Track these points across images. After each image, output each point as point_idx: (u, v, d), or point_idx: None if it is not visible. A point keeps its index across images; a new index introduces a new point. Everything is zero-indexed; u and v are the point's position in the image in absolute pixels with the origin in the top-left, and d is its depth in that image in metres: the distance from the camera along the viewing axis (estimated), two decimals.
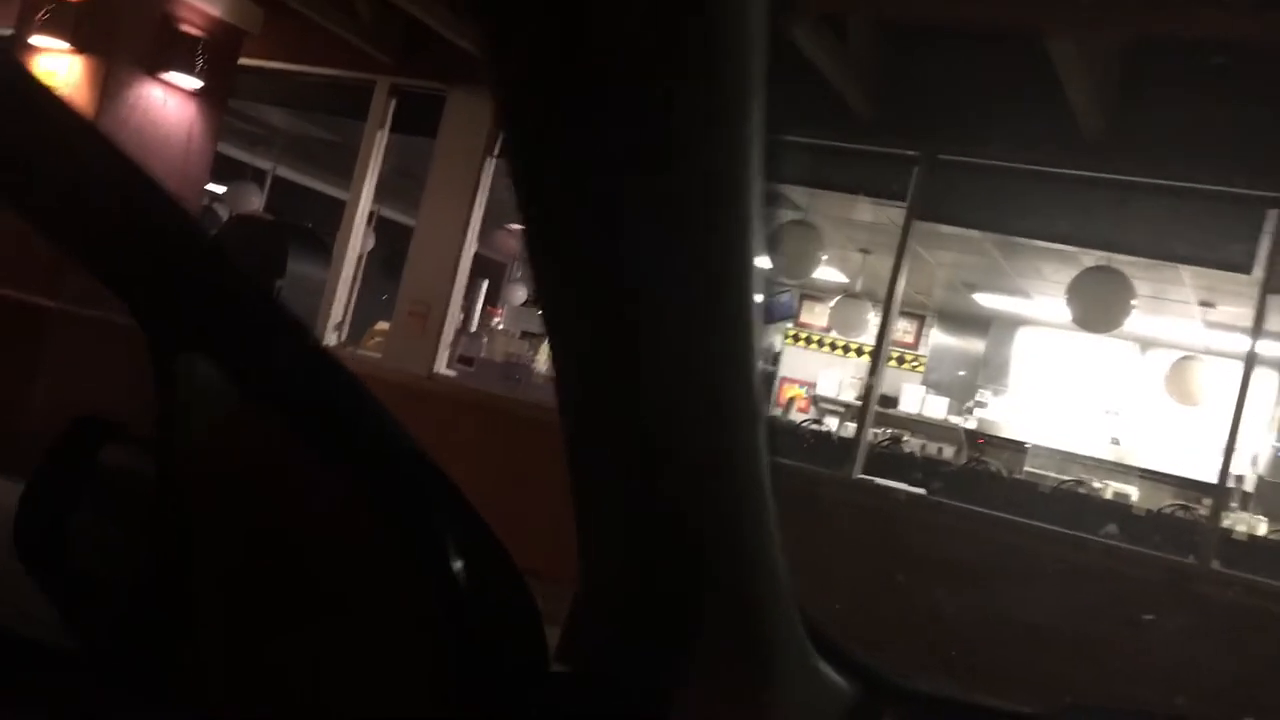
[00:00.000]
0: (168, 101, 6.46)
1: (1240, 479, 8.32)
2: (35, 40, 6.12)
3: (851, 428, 7.43)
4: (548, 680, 0.69)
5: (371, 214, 8.35)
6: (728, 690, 0.69)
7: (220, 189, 11.05)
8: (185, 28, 6.46)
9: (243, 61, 7.16)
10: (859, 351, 11.21)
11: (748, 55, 0.45)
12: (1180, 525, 7.18)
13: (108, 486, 0.75)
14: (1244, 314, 6.87)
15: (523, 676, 0.66)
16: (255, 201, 10.94)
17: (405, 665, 0.65)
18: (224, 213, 10.94)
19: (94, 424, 0.74)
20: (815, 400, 11.42)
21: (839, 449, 7.09)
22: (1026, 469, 9.51)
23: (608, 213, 0.48)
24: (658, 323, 0.52)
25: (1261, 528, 7.76)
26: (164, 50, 6.34)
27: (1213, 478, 6.09)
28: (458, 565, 0.63)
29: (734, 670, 0.69)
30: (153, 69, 6.33)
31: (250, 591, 0.68)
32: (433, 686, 0.64)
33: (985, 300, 10.27)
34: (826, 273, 9.27)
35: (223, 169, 10.27)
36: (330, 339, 7.68)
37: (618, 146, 0.45)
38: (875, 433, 8.00)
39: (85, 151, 0.59)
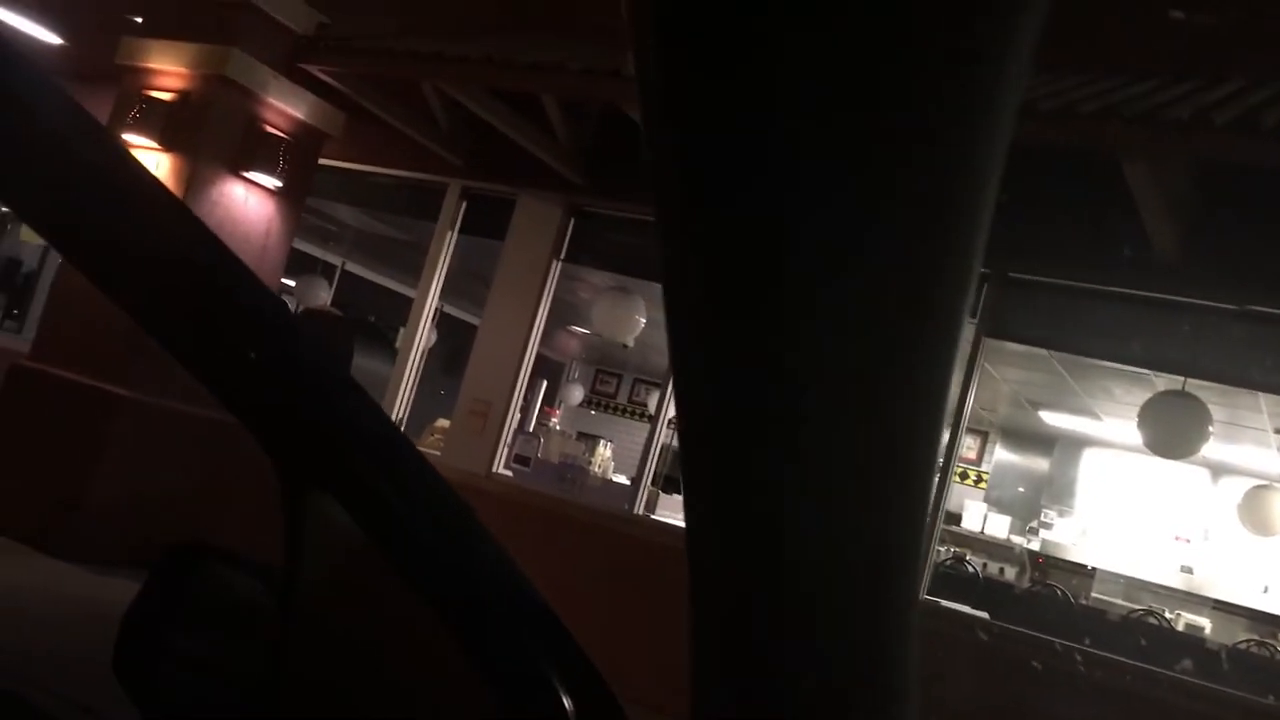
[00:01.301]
0: (249, 199, 6.64)
1: None
2: (125, 137, 6.34)
3: None
4: None
5: (436, 311, 8.47)
6: None
7: (291, 282, 11.29)
8: (269, 129, 6.67)
9: (321, 162, 7.37)
10: None
11: (987, 181, 0.41)
12: (1257, 662, 6.90)
13: (205, 606, 0.74)
14: None
15: None
16: (324, 295, 11.15)
17: None
18: (293, 304, 11.17)
19: (194, 548, 0.73)
20: None
21: None
22: (1093, 595, 9.23)
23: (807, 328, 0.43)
24: (836, 451, 0.48)
25: None
26: (249, 150, 6.54)
27: None
28: (568, 705, 0.61)
29: None
30: (237, 168, 6.53)
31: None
32: None
33: (1051, 419, 10.11)
34: None
35: (294, 262, 10.51)
36: None
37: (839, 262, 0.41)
38: (937, 550, 7.83)
39: (200, 255, 0.58)
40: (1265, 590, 8.81)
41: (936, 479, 0.52)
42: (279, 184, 6.69)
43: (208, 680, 0.72)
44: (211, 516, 5.54)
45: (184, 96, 6.46)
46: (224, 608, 0.72)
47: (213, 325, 0.58)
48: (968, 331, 6.46)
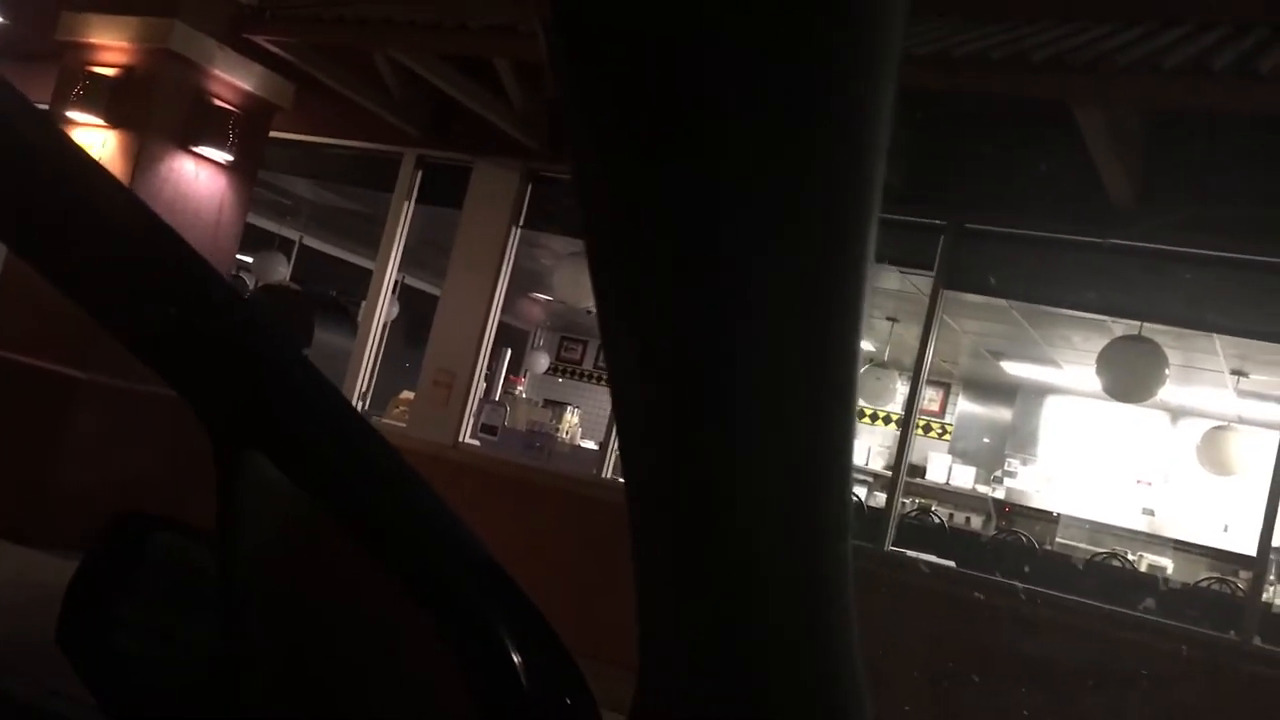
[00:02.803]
0: (200, 174, 6.55)
1: (1277, 551, 8.18)
2: (70, 115, 6.22)
3: (880, 497, 7.35)
4: None
5: (396, 283, 8.41)
6: None
7: (247, 258, 11.17)
8: (218, 103, 6.56)
9: (273, 134, 7.27)
10: (886, 420, 11.14)
11: (879, 118, 0.42)
12: (1219, 600, 7.04)
13: (152, 576, 0.74)
14: (1277, 382, 6.80)
15: None
16: (282, 270, 11.05)
17: None
18: (251, 281, 11.06)
19: (140, 518, 0.72)
20: None
21: (869, 520, 7.00)
22: (1058, 540, 9.37)
23: (714, 292, 0.44)
24: (754, 414, 0.49)
25: None
26: (197, 125, 6.44)
27: (1250, 549, 5.97)
28: (516, 660, 0.61)
29: None
30: (185, 143, 6.43)
31: (303, 687, 0.66)
32: None
33: (1013, 369, 10.21)
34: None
35: (250, 238, 10.40)
36: (358, 407, 7.68)
37: (733, 223, 0.41)
38: (904, 502, 7.91)
39: (139, 233, 0.57)
40: (1225, 529, 8.98)
41: (855, 404, 0.52)
42: (230, 158, 6.60)
43: (155, 650, 0.72)
44: (179, 495, 5.50)
45: (128, 71, 6.35)
46: (170, 576, 0.72)
47: (134, 288, 0.57)
48: (925, 284, 6.51)
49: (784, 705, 0.64)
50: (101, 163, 0.58)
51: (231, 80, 6.63)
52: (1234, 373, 8.06)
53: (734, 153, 0.41)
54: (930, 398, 11.13)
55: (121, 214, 0.58)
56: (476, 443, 7.53)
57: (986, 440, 11.03)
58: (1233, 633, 5.47)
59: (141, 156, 6.23)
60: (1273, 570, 7.64)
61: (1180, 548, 9.17)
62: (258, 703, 0.66)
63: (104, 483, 5.67)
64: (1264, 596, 5.93)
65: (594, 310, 0.50)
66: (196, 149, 6.48)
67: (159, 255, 0.57)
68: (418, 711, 0.64)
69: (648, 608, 0.65)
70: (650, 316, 0.48)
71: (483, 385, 7.88)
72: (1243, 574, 7.59)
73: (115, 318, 0.59)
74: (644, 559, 0.62)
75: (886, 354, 9.42)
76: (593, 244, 0.46)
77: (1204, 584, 7.83)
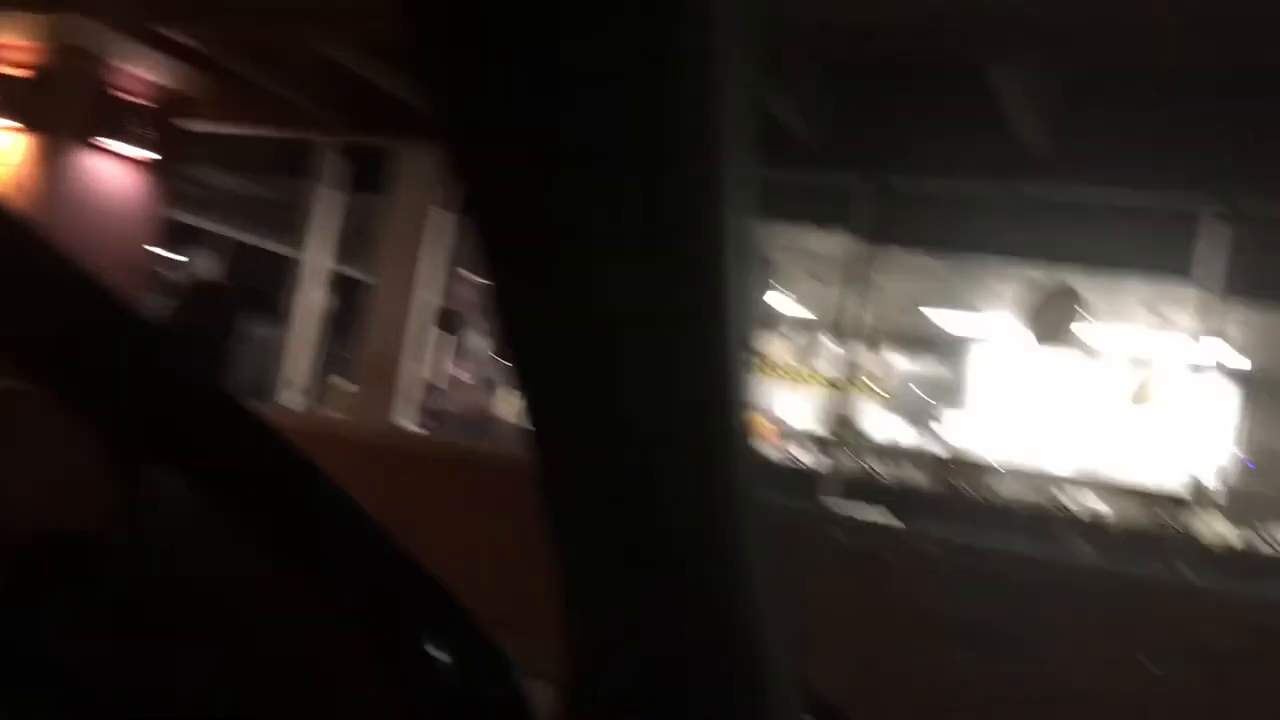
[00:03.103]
0: (115, 172, 6.42)
1: (1207, 488, 8.40)
2: None
3: (818, 457, 7.44)
4: None
5: (329, 273, 8.32)
6: None
7: (175, 256, 10.97)
8: (129, 97, 6.43)
9: (193, 128, 7.14)
10: (821, 381, 11.24)
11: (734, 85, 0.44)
12: (1153, 538, 7.23)
13: (66, 588, 0.73)
14: (1196, 323, 6.97)
15: None
16: (210, 265, 10.86)
17: None
18: (179, 280, 10.86)
19: (52, 536, 0.72)
20: (781, 431, 11.43)
21: (807, 479, 7.09)
22: (993, 488, 9.54)
23: (583, 253, 0.46)
24: (642, 367, 0.51)
25: (1233, 536, 7.83)
26: (109, 121, 6.31)
27: (1178, 487, 6.14)
28: (442, 657, 0.62)
29: None
30: (98, 140, 6.30)
31: (216, 697, 0.66)
32: None
33: (942, 320, 10.35)
34: (784, 304, 9.32)
35: (177, 235, 10.20)
36: (291, 400, 7.61)
37: (598, 174, 0.43)
38: (842, 460, 8.01)
39: (14, 248, 0.57)
40: (1156, 467, 9.20)
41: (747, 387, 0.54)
42: (146, 153, 6.48)
43: (57, 657, 0.71)
44: (62, 504, 5.40)
45: (37, 71, 6.20)
46: (73, 587, 0.71)
47: (14, 304, 0.57)
48: (851, 242, 6.58)
49: (700, 662, 0.67)
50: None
51: (142, 74, 6.50)
52: (1153, 314, 8.25)
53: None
54: (866, 356, 11.24)
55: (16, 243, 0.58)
56: (420, 429, 7.49)
57: (919, 394, 11.18)
58: (1168, 570, 5.64)
59: (57, 157, 6.10)
60: (1202, 506, 7.86)
61: (1110, 488, 9.38)
62: (168, 712, 0.66)
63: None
64: (1194, 532, 6.12)
65: None
66: (110, 146, 6.36)
67: (41, 270, 0.57)
68: (341, 713, 0.64)
69: (565, 577, 0.67)
70: (537, 280, 0.50)
71: (424, 371, 7.84)
72: (1176, 512, 7.81)
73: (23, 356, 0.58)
74: (555, 529, 0.64)
75: (818, 314, 9.50)
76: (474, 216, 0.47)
77: (1135, 522, 8.04)
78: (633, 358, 0.51)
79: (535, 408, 0.57)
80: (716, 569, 0.64)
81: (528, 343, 0.54)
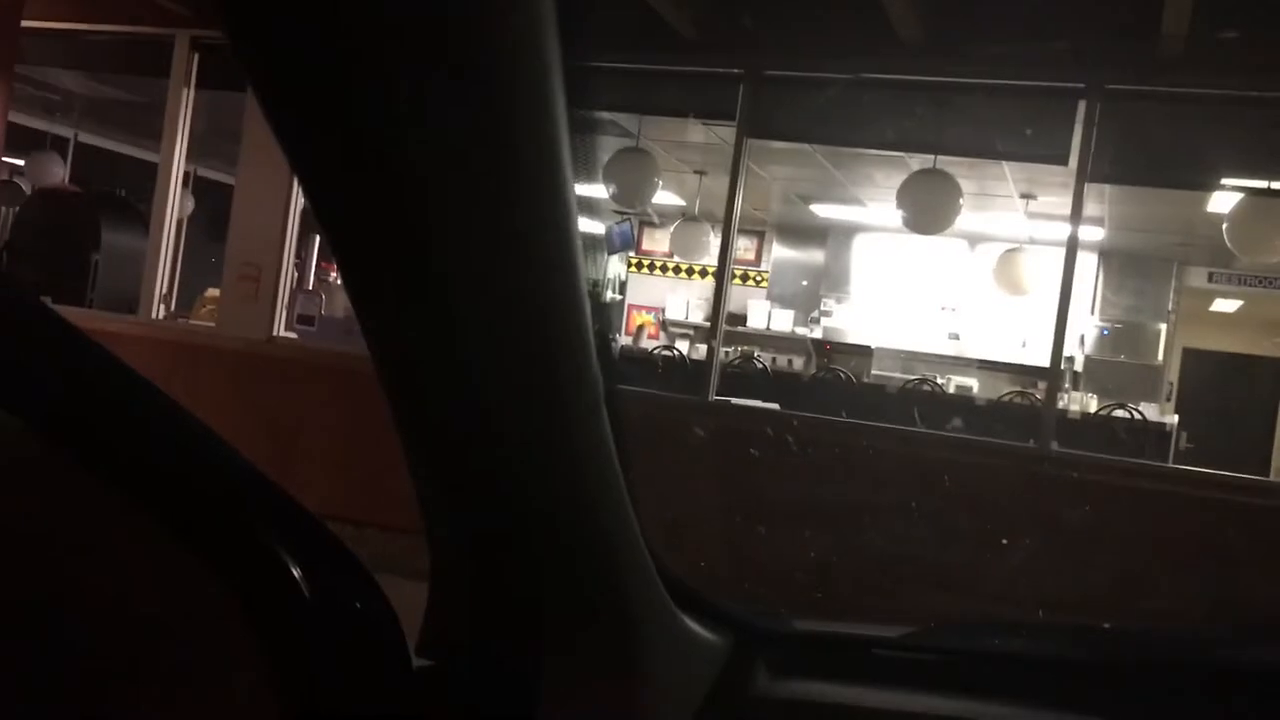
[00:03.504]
0: None
1: (1070, 360, 8.77)
2: None
3: (702, 349, 7.52)
4: (410, 677, 0.65)
5: (188, 175, 7.97)
6: (596, 664, 0.66)
7: (19, 161, 10.38)
8: None
9: (28, 24, 6.69)
10: (703, 273, 11.31)
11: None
12: (1019, 412, 7.53)
13: None
14: (1062, 203, 7.18)
15: (383, 675, 0.63)
16: (59, 172, 10.30)
17: (245, 685, 0.61)
18: (26, 186, 10.29)
19: None
20: (664, 325, 11.51)
21: (692, 372, 7.17)
22: (874, 372, 9.81)
23: (401, 177, 0.43)
24: (477, 291, 0.48)
25: (1092, 405, 8.21)
26: None
27: (1045, 362, 6.37)
28: (295, 571, 0.59)
29: (599, 643, 0.66)
30: None
31: (49, 638, 0.62)
32: (288, 697, 0.60)
33: (822, 211, 10.47)
34: (664, 197, 9.29)
35: (19, 139, 9.63)
36: (158, 311, 7.34)
37: (403, 101, 0.40)
38: (726, 351, 8.11)
39: None
40: (1023, 345, 9.56)
41: (587, 297, 0.52)
42: None
43: None
44: None
45: None
46: None
47: None
48: (729, 134, 6.55)
49: (562, 576, 0.65)
50: None
51: None
52: (1023, 196, 8.47)
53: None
54: (745, 247, 11.33)
55: None
56: (293, 335, 7.31)
57: (803, 283, 11.36)
58: (1032, 441, 5.88)
59: None
60: (1066, 379, 8.22)
61: (985, 367, 9.73)
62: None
63: None
64: (1059, 405, 6.38)
65: None
66: None
67: None
68: (195, 643, 0.62)
69: (427, 496, 0.65)
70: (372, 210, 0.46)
71: (294, 275, 7.62)
72: (1041, 386, 8.14)
73: None
74: (416, 457, 0.62)
75: (698, 207, 9.51)
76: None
77: (1006, 399, 8.36)
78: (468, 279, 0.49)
79: (382, 343, 0.54)
80: (577, 472, 0.62)
81: (366, 271, 0.51)
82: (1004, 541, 4.91)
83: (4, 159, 8.15)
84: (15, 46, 6.52)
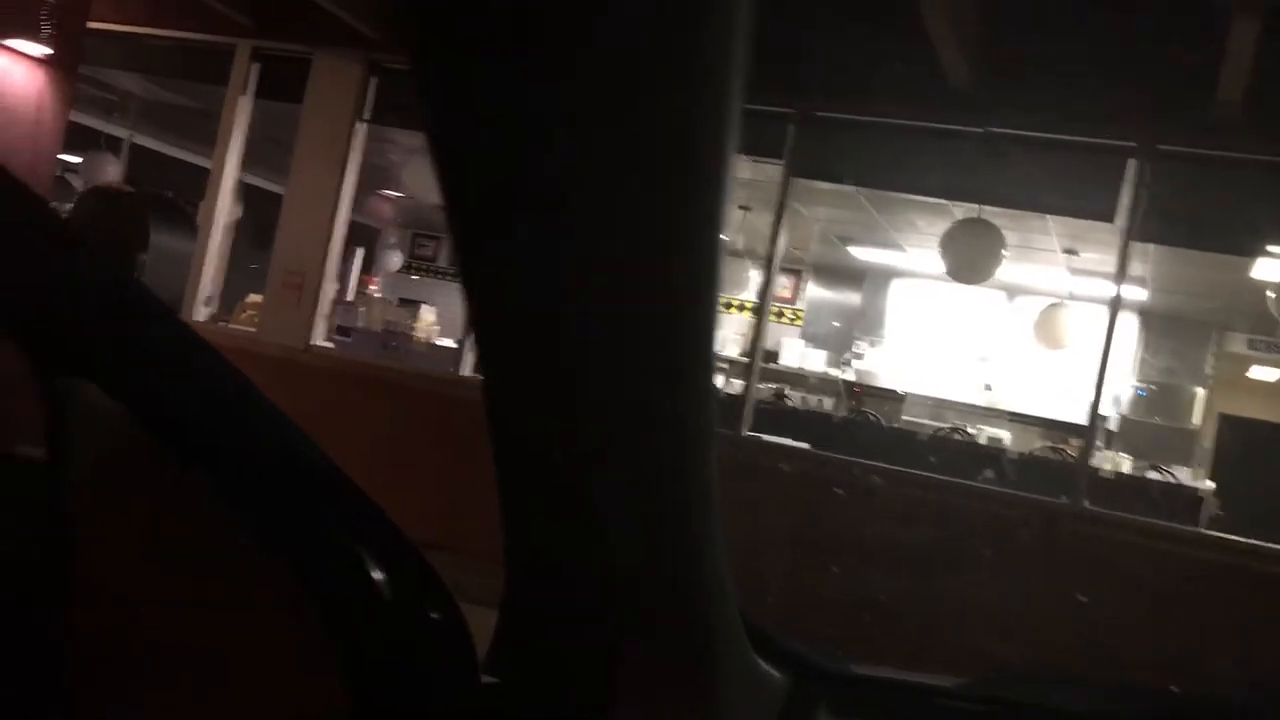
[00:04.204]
0: (13, 70, 6.11)
1: (1105, 418, 8.69)
2: None
3: (736, 384, 7.51)
4: (479, 692, 0.66)
5: (237, 182, 8.07)
6: (670, 695, 0.67)
7: (74, 159, 10.54)
8: None
9: (94, 26, 6.82)
10: (741, 308, 11.31)
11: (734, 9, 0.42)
12: (1051, 466, 7.46)
13: None
14: (1105, 260, 7.14)
15: (453, 687, 0.64)
16: (112, 171, 10.46)
17: (319, 689, 0.62)
18: (79, 184, 10.44)
19: None
20: None
21: (725, 406, 7.16)
22: (904, 418, 9.76)
23: (566, 181, 0.44)
24: (609, 307, 0.49)
25: (1125, 465, 8.12)
26: (5, 15, 5.99)
27: (1080, 418, 6.33)
28: (377, 576, 0.60)
29: (675, 674, 0.67)
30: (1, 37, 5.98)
31: (139, 623, 0.64)
32: (360, 702, 0.61)
33: (860, 253, 10.46)
34: None
35: (76, 138, 9.79)
36: (200, 314, 7.42)
37: (581, 109, 0.41)
38: (759, 387, 8.11)
39: None
40: (1058, 400, 9.49)
41: (716, 326, 0.53)
42: (46, 51, 6.17)
43: None
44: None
45: None
46: None
47: None
48: (775, 171, 6.58)
49: (650, 600, 0.66)
50: None
51: None
52: (1066, 251, 8.43)
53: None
54: (782, 284, 11.33)
55: None
56: (330, 345, 7.38)
57: (836, 324, 11.33)
58: (1064, 497, 5.83)
59: None
60: (1100, 437, 8.14)
61: (1017, 419, 9.66)
62: (87, 637, 0.64)
63: None
64: (1092, 461, 6.33)
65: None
66: (7, 43, 6.04)
67: None
68: (269, 634, 0.63)
69: (512, 511, 0.66)
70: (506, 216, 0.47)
71: (334, 286, 7.69)
72: (1074, 442, 8.07)
73: None
74: (507, 465, 0.63)
75: (740, 242, 9.52)
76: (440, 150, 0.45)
77: (1038, 453, 8.30)
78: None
79: (490, 337, 0.55)
80: (673, 502, 0.63)
81: (487, 268, 0.52)
82: (1032, 595, 4.86)
83: (61, 156, 8.27)
84: (81, 48, 6.64)
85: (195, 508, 0.60)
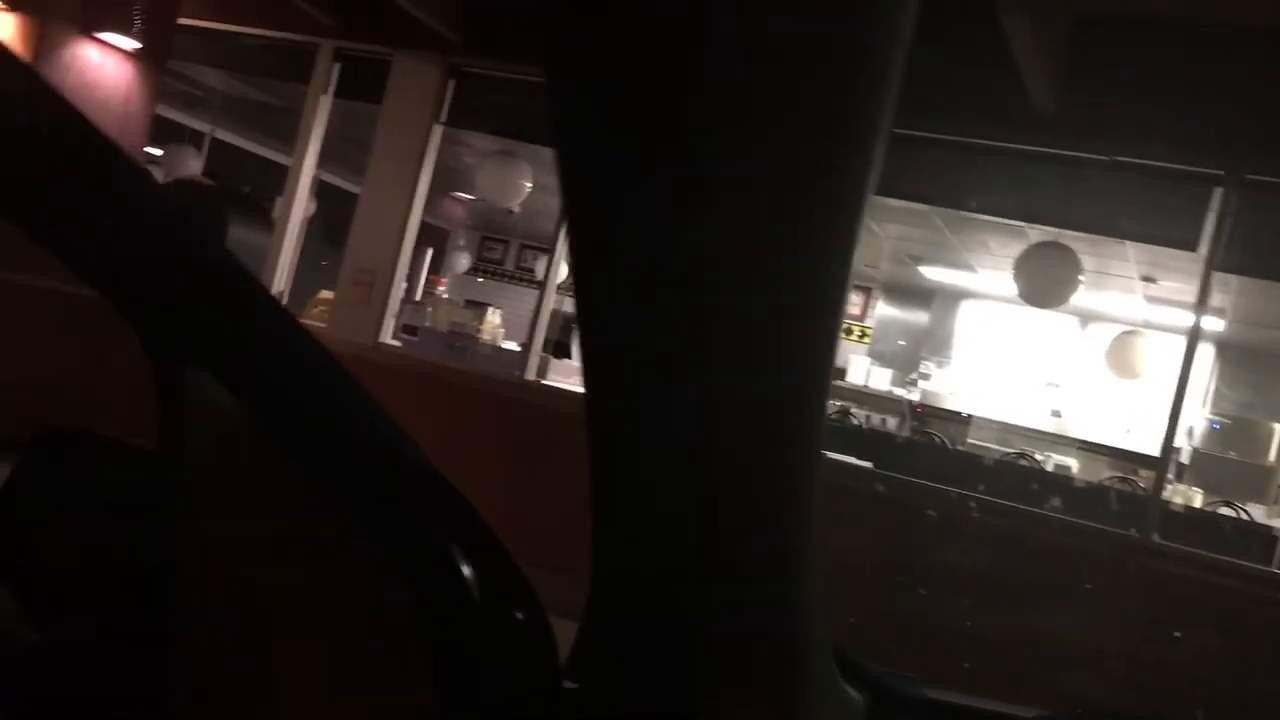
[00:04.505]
0: (105, 63, 6.26)
1: (1177, 451, 8.50)
2: None
3: None
4: (561, 697, 0.65)
5: (313, 179, 8.20)
6: (755, 701, 0.66)
7: (157, 151, 10.79)
8: None
9: (183, 22, 6.97)
10: None
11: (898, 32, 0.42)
12: (1120, 498, 7.31)
13: (79, 490, 0.72)
14: (1184, 289, 7.00)
15: (535, 690, 0.64)
16: (193, 165, 10.69)
17: (408, 685, 0.62)
18: (160, 176, 10.69)
19: (70, 433, 0.70)
20: None
21: None
22: (970, 440, 9.64)
23: (697, 191, 0.43)
24: (739, 306, 0.48)
25: (1196, 499, 7.94)
26: (100, 9, 6.14)
27: (1150, 449, 6.18)
28: (466, 572, 0.60)
29: (764, 679, 0.66)
30: (89, 28, 6.13)
31: (241, 606, 0.64)
32: (444, 699, 0.61)
33: (931, 273, 10.36)
34: None
35: (159, 131, 10.03)
36: None
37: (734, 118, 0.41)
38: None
39: (68, 135, 0.53)
40: (1129, 430, 9.30)
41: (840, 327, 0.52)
42: (137, 45, 6.32)
43: (81, 563, 0.70)
44: (71, 400, 5.37)
45: None
46: (101, 493, 0.70)
47: (56, 186, 0.54)
48: None
49: (741, 614, 0.65)
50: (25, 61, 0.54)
51: None
52: (1144, 279, 8.27)
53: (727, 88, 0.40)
54: (853, 302, 11.25)
55: (47, 112, 0.55)
56: (397, 343, 7.46)
57: (903, 343, 11.23)
58: (1134, 530, 5.70)
59: (42, 43, 5.93)
60: (1171, 469, 7.97)
61: (1085, 448, 9.49)
62: (191, 621, 0.65)
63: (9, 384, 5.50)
64: (1163, 494, 6.18)
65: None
66: (101, 35, 6.19)
67: (90, 159, 0.53)
68: (361, 628, 0.63)
69: (605, 518, 0.65)
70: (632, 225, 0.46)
71: (403, 285, 7.78)
72: (1143, 473, 7.90)
73: (45, 226, 0.55)
74: (603, 471, 0.62)
75: None
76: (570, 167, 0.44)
77: (1107, 483, 8.13)
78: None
79: (599, 330, 0.54)
80: (774, 519, 0.62)
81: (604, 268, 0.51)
82: (1098, 627, 4.76)
83: (144, 149, 8.46)
84: (170, 43, 6.79)
85: (300, 499, 0.61)
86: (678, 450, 0.56)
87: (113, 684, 0.67)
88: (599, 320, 0.52)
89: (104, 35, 6.20)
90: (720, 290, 0.46)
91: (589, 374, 0.56)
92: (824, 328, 0.49)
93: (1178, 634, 4.76)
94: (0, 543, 0.70)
